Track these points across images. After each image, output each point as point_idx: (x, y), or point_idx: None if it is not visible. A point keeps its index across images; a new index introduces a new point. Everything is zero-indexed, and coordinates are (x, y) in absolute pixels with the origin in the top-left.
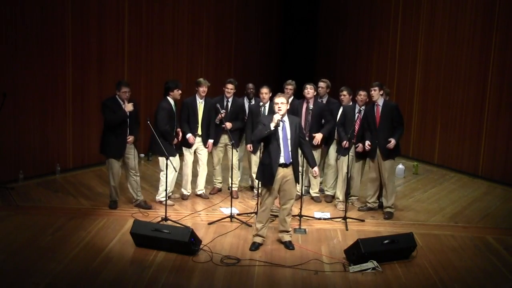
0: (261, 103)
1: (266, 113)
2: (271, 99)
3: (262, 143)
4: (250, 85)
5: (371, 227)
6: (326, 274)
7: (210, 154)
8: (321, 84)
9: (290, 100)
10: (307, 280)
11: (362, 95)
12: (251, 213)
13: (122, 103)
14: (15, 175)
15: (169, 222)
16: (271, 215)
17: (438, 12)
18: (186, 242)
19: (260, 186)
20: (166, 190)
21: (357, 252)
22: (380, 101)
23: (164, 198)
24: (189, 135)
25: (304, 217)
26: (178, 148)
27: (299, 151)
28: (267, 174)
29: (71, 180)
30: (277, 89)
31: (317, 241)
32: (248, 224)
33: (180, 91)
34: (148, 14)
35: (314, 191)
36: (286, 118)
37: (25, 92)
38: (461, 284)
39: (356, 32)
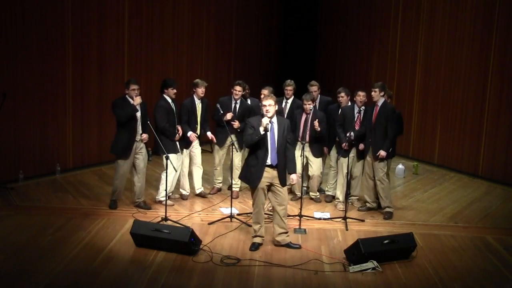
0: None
1: None
2: None
3: None
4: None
5: (371, 227)
6: (326, 274)
7: (212, 154)
8: (313, 88)
9: (290, 100)
10: (307, 280)
11: (361, 95)
12: (251, 213)
13: (131, 101)
14: (15, 175)
15: (169, 222)
16: (265, 213)
17: (438, 12)
18: (186, 242)
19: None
20: (166, 190)
21: (357, 252)
22: (380, 102)
23: (164, 198)
24: (190, 133)
25: (304, 217)
26: (184, 145)
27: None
28: (254, 175)
29: (71, 180)
30: (277, 89)
31: (317, 241)
32: (248, 224)
33: (175, 90)
34: (148, 14)
35: (313, 193)
36: (274, 119)
37: (25, 92)
38: (461, 284)
39: (356, 32)
